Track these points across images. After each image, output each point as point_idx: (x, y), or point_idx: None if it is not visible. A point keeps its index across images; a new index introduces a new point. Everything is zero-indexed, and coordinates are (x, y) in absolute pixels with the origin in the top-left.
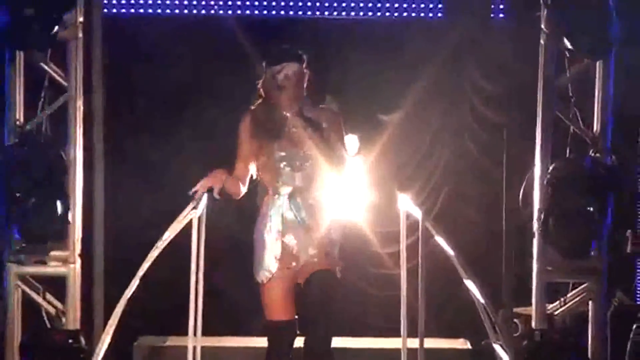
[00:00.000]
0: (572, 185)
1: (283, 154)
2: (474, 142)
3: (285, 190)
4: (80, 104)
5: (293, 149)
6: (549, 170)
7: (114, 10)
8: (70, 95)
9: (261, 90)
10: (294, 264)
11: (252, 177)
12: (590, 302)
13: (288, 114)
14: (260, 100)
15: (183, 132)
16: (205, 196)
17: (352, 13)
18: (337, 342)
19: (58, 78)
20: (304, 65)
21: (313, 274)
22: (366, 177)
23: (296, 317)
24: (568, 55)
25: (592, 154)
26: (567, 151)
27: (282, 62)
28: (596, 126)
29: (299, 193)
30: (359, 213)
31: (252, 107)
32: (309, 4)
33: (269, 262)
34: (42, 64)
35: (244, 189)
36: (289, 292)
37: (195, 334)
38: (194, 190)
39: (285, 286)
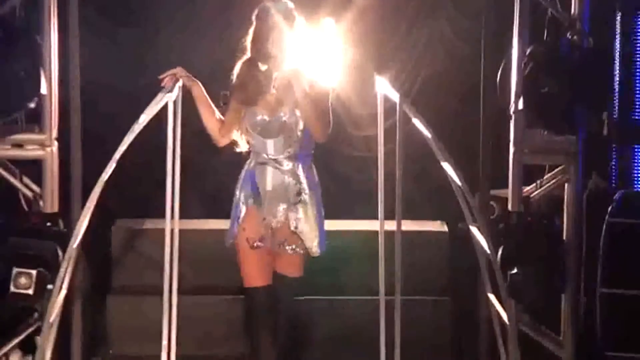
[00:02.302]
0: (549, 68)
1: (258, 118)
2: (451, 26)
3: (258, 156)
4: None
5: (268, 115)
6: (527, 53)
7: None
8: None
9: (248, 44)
10: (253, 236)
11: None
12: (565, 185)
13: (274, 73)
14: (245, 57)
15: (161, 11)
16: (180, 81)
17: None
18: None
19: None
20: (294, 20)
21: (282, 279)
22: (339, 41)
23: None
24: None
25: (570, 37)
26: (545, 34)
27: (271, 10)
28: (573, 9)
29: (271, 162)
30: (335, 89)
31: (236, 68)
32: None
33: (233, 227)
34: None
35: (220, 131)
36: (261, 261)
37: (172, 217)
38: (163, 76)
39: (256, 256)
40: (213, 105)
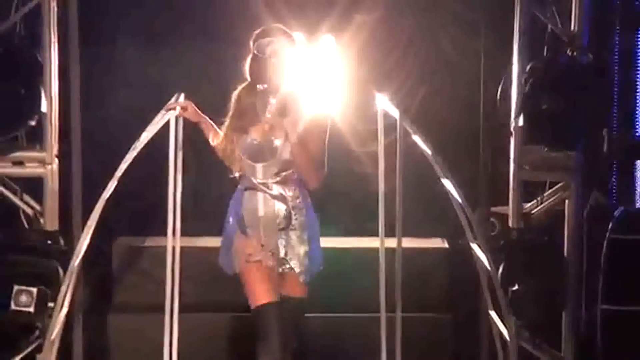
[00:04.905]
0: (549, 84)
1: (248, 141)
2: (451, 41)
3: (248, 181)
4: (54, 4)
5: (260, 138)
6: (526, 70)
7: None
8: None
9: (246, 70)
10: (257, 258)
11: None
12: (566, 201)
13: (271, 99)
14: (244, 84)
15: (161, 31)
16: (182, 96)
17: None
18: None
19: None
20: (293, 44)
21: (288, 301)
22: (339, 58)
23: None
24: None
25: (569, 53)
26: (545, 50)
27: (271, 36)
28: (573, 25)
29: (260, 188)
30: (335, 107)
31: (235, 94)
32: None
33: (234, 254)
34: None
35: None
36: (269, 276)
37: (174, 235)
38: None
39: (263, 272)
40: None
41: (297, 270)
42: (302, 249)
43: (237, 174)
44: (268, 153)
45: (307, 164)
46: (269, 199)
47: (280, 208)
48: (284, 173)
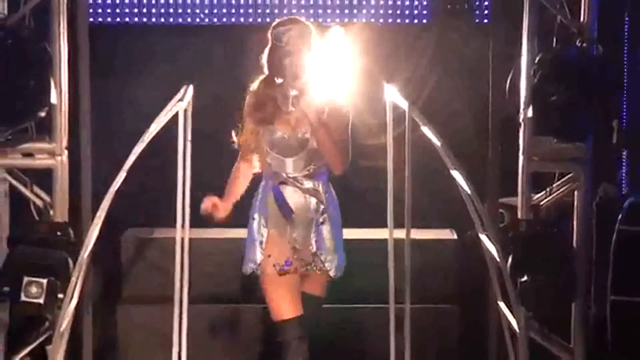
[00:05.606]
0: (558, 75)
1: (277, 136)
2: (459, 33)
3: (277, 176)
4: None
5: (288, 132)
6: (536, 61)
7: None
8: None
9: (264, 63)
10: (279, 261)
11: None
12: (575, 192)
13: (291, 92)
14: (261, 77)
15: (170, 25)
16: (191, 87)
17: (337, 19)
18: None
19: None
20: (311, 36)
21: (310, 299)
22: (349, 48)
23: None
24: None
25: (579, 44)
26: (554, 42)
27: (289, 24)
28: (583, 16)
29: (290, 182)
30: (345, 98)
31: (253, 87)
32: (293, 10)
33: (254, 253)
34: None
35: (245, 166)
36: (291, 288)
37: (182, 226)
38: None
39: (285, 284)
40: (234, 186)
41: (327, 266)
42: (331, 244)
43: (258, 170)
44: (299, 146)
45: (330, 145)
46: (299, 193)
47: (312, 201)
48: (312, 166)
